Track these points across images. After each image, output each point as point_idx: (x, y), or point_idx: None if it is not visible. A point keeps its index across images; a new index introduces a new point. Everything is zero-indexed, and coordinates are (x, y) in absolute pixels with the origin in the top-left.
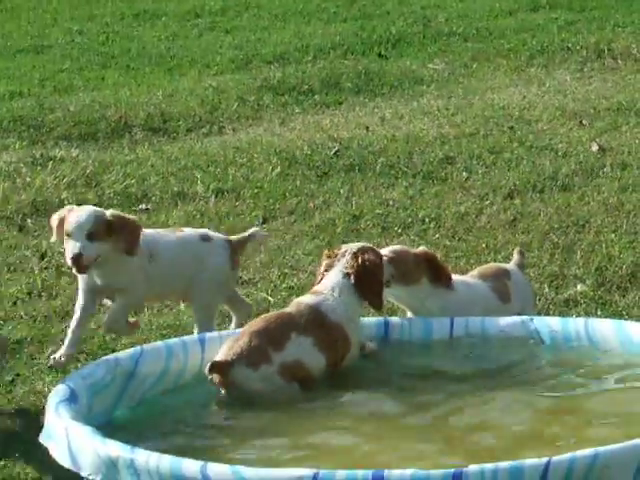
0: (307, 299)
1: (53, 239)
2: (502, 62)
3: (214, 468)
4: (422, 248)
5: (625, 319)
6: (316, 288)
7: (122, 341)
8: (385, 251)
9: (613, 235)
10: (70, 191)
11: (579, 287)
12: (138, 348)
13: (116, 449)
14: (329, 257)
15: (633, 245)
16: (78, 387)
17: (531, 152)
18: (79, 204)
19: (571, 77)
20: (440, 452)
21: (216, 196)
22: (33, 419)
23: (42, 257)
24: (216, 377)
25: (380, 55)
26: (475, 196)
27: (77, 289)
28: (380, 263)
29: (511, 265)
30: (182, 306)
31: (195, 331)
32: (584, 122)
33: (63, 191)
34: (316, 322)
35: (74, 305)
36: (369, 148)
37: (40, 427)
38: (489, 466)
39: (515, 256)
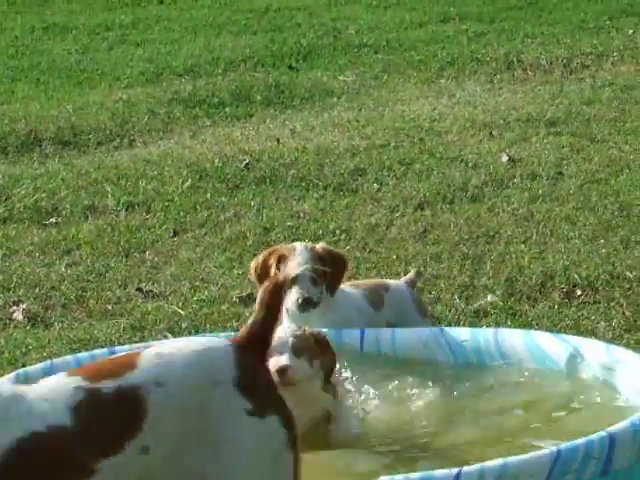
0: None
1: None
2: (412, 74)
3: None
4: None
5: (535, 329)
6: None
7: (32, 355)
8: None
9: (523, 246)
10: None
11: (489, 298)
12: (48, 362)
13: None
14: None
15: (542, 256)
16: None
17: (441, 163)
18: None
19: (481, 88)
20: None
21: (127, 209)
22: None
23: None
24: None
25: (290, 67)
26: (386, 207)
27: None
28: None
29: (397, 280)
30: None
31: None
32: (494, 133)
33: None
34: None
35: None
36: (280, 160)
37: None
38: (399, 477)
39: (409, 274)
